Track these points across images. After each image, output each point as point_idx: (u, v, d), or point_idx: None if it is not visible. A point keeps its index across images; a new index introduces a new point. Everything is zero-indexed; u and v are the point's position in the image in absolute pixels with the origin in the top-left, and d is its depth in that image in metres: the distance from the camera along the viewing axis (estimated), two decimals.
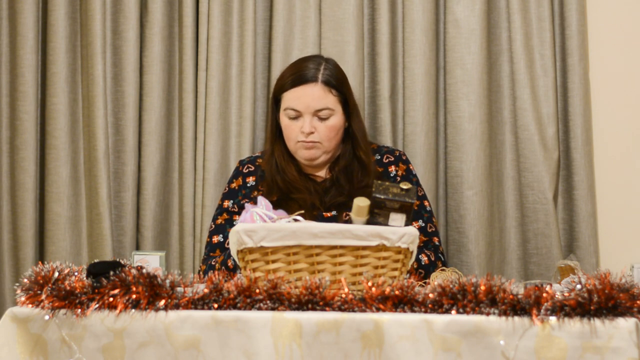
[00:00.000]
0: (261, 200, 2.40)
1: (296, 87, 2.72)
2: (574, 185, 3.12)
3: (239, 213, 2.74)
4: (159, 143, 3.18)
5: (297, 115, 2.73)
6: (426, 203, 2.83)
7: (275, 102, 2.80)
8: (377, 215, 2.21)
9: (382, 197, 2.20)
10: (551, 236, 3.09)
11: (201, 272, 2.71)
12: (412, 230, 2.14)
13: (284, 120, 2.75)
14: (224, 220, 2.77)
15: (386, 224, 2.20)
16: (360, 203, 2.22)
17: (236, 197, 2.80)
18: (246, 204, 2.41)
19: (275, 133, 2.81)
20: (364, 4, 3.16)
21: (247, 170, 2.85)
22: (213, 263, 2.66)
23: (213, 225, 2.79)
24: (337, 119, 2.74)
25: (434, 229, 2.81)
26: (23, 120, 3.18)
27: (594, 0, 3.15)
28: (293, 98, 2.72)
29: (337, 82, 2.75)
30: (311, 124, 2.71)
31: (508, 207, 3.16)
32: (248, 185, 2.82)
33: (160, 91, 3.18)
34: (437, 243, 2.80)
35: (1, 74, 3.19)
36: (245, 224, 2.16)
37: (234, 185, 2.83)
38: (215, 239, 2.74)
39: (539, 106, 3.12)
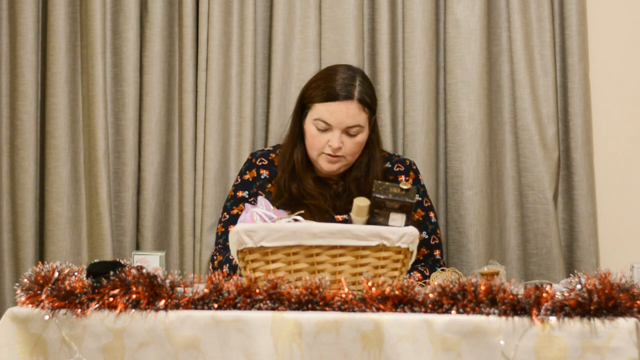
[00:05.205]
0: (261, 200, 2.40)
1: (331, 102, 2.68)
2: (574, 185, 3.12)
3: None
4: (159, 143, 3.18)
5: (327, 128, 2.69)
6: (432, 214, 2.83)
7: (301, 106, 2.76)
8: (377, 215, 2.21)
9: (382, 197, 2.20)
10: (551, 236, 3.09)
11: (216, 262, 2.68)
12: (412, 230, 2.14)
13: (310, 128, 2.72)
14: (240, 211, 2.74)
15: (386, 224, 2.20)
16: (360, 203, 2.22)
17: (251, 188, 2.79)
18: (246, 204, 2.41)
19: (297, 135, 2.77)
20: (364, 4, 3.15)
21: (260, 163, 2.83)
22: (231, 257, 2.62)
23: (227, 216, 2.77)
24: (364, 135, 2.72)
25: (437, 241, 2.81)
26: (23, 120, 3.18)
27: (594, 0, 3.15)
28: (326, 111, 2.68)
29: (371, 100, 2.73)
30: (340, 139, 2.68)
31: (508, 207, 3.16)
32: (262, 177, 2.80)
33: (160, 91, 3.18)
34: (437, 257, 2.79)
35: (1, 74, 3.19)
36: (245, 224, 2.16)
37: (247, 177, 2.82)
38: (231, 229, 2.72)
39: (539, 106, 3.12)
